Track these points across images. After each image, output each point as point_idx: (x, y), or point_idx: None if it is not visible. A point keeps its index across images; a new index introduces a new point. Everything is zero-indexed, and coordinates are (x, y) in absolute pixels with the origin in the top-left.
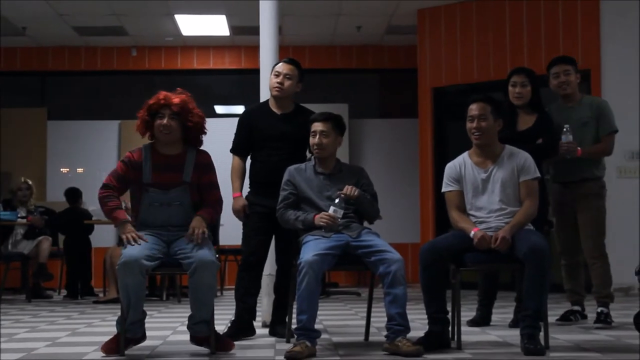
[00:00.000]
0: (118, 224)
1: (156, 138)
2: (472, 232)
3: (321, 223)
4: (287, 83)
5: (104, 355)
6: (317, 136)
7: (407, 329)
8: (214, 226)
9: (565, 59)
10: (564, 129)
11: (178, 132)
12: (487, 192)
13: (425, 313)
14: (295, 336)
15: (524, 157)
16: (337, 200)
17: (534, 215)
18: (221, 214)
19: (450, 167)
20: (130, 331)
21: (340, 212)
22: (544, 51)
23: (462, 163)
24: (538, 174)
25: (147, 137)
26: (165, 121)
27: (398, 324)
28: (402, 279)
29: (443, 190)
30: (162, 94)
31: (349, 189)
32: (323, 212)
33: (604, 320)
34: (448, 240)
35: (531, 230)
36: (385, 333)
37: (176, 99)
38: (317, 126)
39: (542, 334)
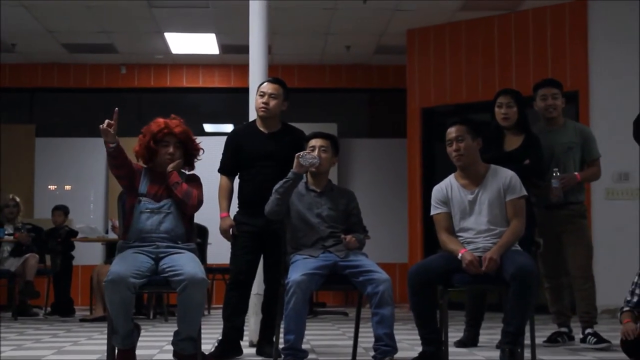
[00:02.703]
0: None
1: (157, 163)
2: (460, 254)
3: (298, 155)
4: (272, 103)
5: None
6: (316, 150)
7: (395, 350)
8: (201, 245)
9: (553, 82)
10: (554, 173)
11: (180, 158)
12: (474, 214)
13: (418, 334)
14: (283, 356)
15: (509, 176)
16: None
17: (521, 234)
18: (208, 234)
19: (437, 190)
20: (128, 344)
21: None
22: (532, 72)
23: (449, 185)
24: (524, 192)
25: (140, 161)
26: (170, 149)
27: (385, 345)
28: (389, 299)
29: (432, 213)
30: (162, 121)
31: (350, 241)
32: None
33: (600, 338)
34: (436, 262)
35: (518, 250)
36: (372, 353)
37: (178, 128)
38: (317, 142)
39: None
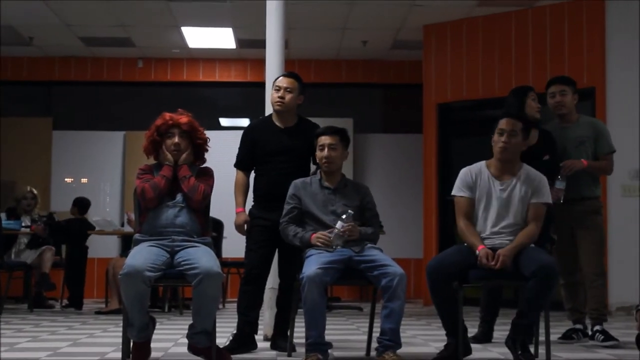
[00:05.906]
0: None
1: (165, 157)
2: (477, 251)
3: (317, 243)
4: (288, 97)
5: None
6: (326, 149)
7: (397, 345)
8: (216, 239)
9: (562, 79)
10: (558, 177)
11: (187, 149)
12: (498, 207)
13: (443, 327)
14: (305, 351)
15: (540, 179)
16: (344, 216)
17: (535, 238)
18: (224, 228)
19: (465, 173)
20: (143, 337)
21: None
22: (549, 69)
23: (479, 172)
24: (549, 200)
25: (152, 158)
26: (176, 139)
27: (389, 339)
28: (402, 293)
29: (453, 193)
30: (167, 115)
31: (350, 230)
32: (320, 232)
33: (607, 335)
34: (453, 257)
35: (536, 248)
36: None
37: (184, 118)
38: (325, 139)
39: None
